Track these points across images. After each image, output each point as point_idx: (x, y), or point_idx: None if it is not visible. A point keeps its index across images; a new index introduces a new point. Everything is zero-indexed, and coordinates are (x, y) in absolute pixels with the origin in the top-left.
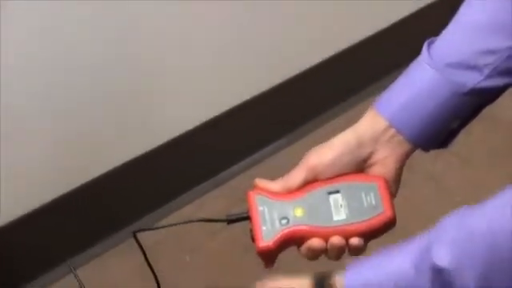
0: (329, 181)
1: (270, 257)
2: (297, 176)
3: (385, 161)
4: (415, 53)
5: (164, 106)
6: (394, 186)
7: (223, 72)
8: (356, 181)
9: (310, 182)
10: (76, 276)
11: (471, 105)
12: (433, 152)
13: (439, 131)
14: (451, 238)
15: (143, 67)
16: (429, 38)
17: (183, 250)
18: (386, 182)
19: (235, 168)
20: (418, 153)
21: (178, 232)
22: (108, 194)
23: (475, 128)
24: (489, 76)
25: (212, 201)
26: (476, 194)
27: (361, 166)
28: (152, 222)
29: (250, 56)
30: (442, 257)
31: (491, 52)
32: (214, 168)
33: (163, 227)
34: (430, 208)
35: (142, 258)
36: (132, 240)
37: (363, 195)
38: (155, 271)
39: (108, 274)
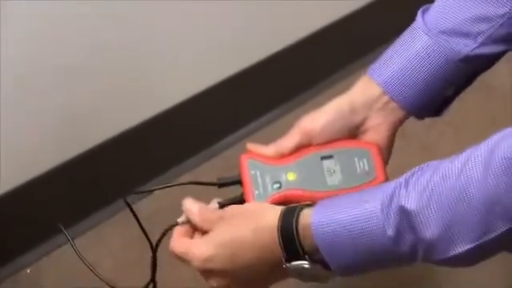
0: (322, 146)
1: None
2: (289, 140)
3: (377, 128)
4: (412, 21)
5: (157, 78)
6: (386, 152)
7: (214, 43)
8: (349, 146)
9: (302, 147)
10: (73, 246)
11: (466, 71)
12: (426, 121)
13: (433, 98)
14: (422, 182)
15: (132, 41)
16: (423, 5)
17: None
18: (379, 148)
19: (229, 139)
20: (412, 122)
21: (172, 202)
22: (103, 165)
23: (468, 97)
24: (483, 43)
25: (206, 171)
26: None
27: (353, 132)
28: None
29: (241, 26)
30: (411, 199)
31: (485, 19)
32: (208, 139)
33: (154, 190)
34: None
35: (138, 228)
36: (128, 210)
37: (356, 161)
38: (151, 240)
39: (105, 244)
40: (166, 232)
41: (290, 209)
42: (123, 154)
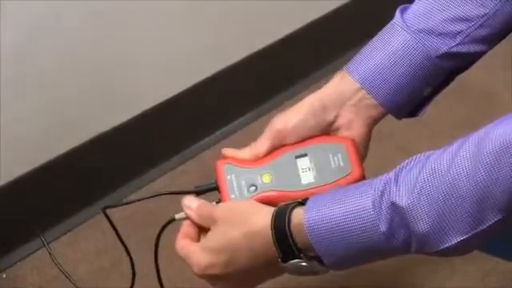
0: (296, 145)
1: None
2: (263, 142)
3: (350, 124)
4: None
5: (130, 81)
6: (362, 149)
7: (190, 45)
8: (323, 143)
9: (277, 148)
10: (48, 249)
11: (443, 70)
12: (402, 123)
13: (410, 97)
14: (412, 177)
15: (106, 43)
16: (401, 4)
17: (154, 225)
18: (354, 142)
19: (205, 141)
20: (388, 124)
21: (148, 206)
22: (78, 168)
23: (445, 99)
24: (462, 42)
25: (183, 174)
26: None
27: (326, 130)
28: (122, 196)
29: (217, 27)
30: (401, 195)
31: (464, 19)
32: (184, 142)
33: (132, 202)
34: None
35: (114, 232)
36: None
37: (331, 157)
38: (127, 245)
39: (80, 249)
40: (164, 229)
41: (282, 209)
42: (98, 157)
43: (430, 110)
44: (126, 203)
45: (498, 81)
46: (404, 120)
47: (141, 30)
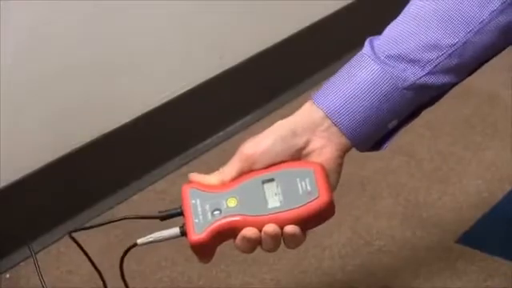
0: (264, 170)
1: (204, 251)
2: (231, 168)
3: (322, 150)
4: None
5: (131, 83)
6: (333, 176)
7: (191, 46)
8: (291, 168)
9: (245, 173)
10: (36, 262)
11: (411, 102)
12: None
13: (376, 129)
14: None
15: (106, 44)
16: (369, 36)
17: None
18: (323, 168)
19: (208, 142)
20: None
21: (149, 207)
22: (79, 170)
23: (445, 100)
24: (431, 72)
25: (185, 176)
26: (447, 166)
27: (296, 156)
28: (123, 198)
29: (214, 32)
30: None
31: (435, 47)
32: (186, 143)
33: (96, 226)
34: (402, 179)
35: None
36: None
37: (298, 181)
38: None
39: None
40: (126, 253)
41: None
42: (99, 159)
43: (431, 111)
44: (91, 227)
45: (499, 82)
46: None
47: (141, 31)
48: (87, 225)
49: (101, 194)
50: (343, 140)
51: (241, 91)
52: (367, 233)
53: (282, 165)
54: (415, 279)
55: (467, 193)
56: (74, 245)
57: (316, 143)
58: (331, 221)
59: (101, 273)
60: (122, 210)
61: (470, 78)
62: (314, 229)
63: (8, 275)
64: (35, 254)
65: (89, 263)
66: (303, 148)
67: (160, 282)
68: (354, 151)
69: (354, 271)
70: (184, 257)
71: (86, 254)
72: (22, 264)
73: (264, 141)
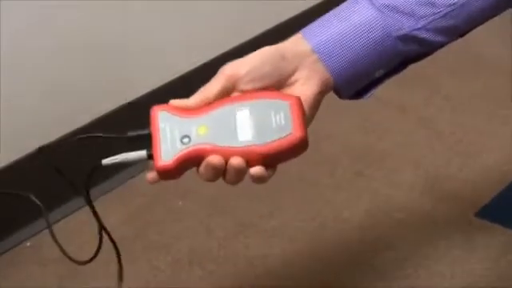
0: (238, 97)
1: (169, 177)
2: (213, 85)
3: (306, 81)
4: None
5: (130, 65)
6: (310, 111)
7: (191, 27)
8: (267, 98)
9: (227, 93)
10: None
11: (400, 53)
12: (424, 97)
13: (362, 74)
14: None
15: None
16: None
17: (176, 196)
18: (300, 102)
19: None
20: (409, 98)
21: None
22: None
23: (467, 72)
24: (424, 28)
25: None
26: (468, 138)
27: (282, 82)
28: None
29: (219, 13)
30: None
31: (431, 4)
32: None
33: (66, 142)
34: (422, 152)
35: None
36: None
37: (272, 114)
38: (148, 217)
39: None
40: (90, 176)
41: None
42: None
43: (449, 83)
44: (61, 143)
45: None
46: (425, 94)
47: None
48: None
49: (120, 165)
50: (328, 77)
51: None
52: (387, 205)
53: (259, 93)
54: (434, 252)
55: (487, 166)
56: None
57: (302, 72)
58: (351, 193)
59: (115, 243)
60: (141, 180)
61: (499, 53)
62: (333, 201)
63: (28, 243)
64: (56, 222)
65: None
66: (290, 75)
67: (180, 253)
68: (372, 124)
69: (373, 243)
70: (204, 227)
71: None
72: (43, 232)
73: (251, 60)
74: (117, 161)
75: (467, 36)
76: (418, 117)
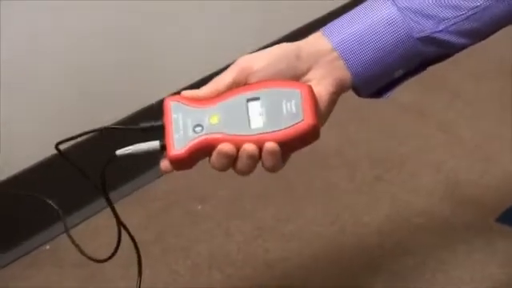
0: (250, 87)
1: (182, 166)
2: (225, 76)
3: (320, 80)
4: None
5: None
6: (324, 111)
7: (224, 28)
8: (279, 87)
9: (238, 86)
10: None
11: (420, 55)
12: (444, 102)
13: (382, 74)
14: None
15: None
16: None
17: (194, 200)
18: (312, 90)
19: None
20: (430, 103)
21: (188, 182)
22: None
23: (488, 77)
24: (445, 30)
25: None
26: (488, 143)
27: (294, 80)
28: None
29: (245, 13)
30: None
31: (453, 7)
32: None
33: (80, 135)
34: (442, 157)
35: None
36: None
37: (284, 103)
38: (167, 221)
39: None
40: (105, 167)
41: None
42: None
43: (470, 87)
44: (73, 137)
45: None
46: (444, 99)
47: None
48: (73, 135)
49: (139, 169)
50: (346, 76)
51: None
52: (406, 210)
53: (270, 82)
54: (453, 257)
55: (508, 171)
56: (114, 218)
57: (316, 72)
58: (370, 198)
59: (135, 241)
60: (160, 183)
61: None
62: (352, 205)
63: (48, 246)
64: (75, 225)
65: (126, 236)
66: (303, 74)
67: (199, 256)
68: (392, 128)
69: (392, 248)
70: (223, 231)
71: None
72: (62, 236)
73: (267, 56)
74: (130, 151)
75: (489, 40)
76: (439, 121)
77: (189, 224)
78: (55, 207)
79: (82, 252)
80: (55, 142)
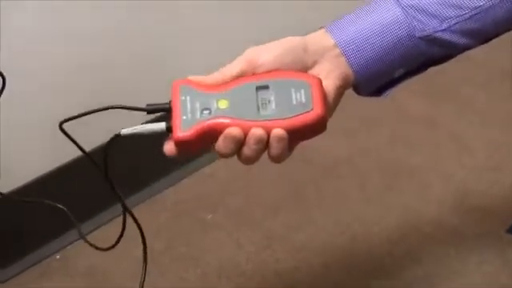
0: (260, 75)
1: (186, 149)
2: (233, 67)
3: (327, 74)
4: None
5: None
6: (331, 103)
7: (245, 32)
8: (288, 77)
9: (243, 76)
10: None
11: (422, 53)
12: (455, 112)
13: (383, 71)
14: None
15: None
16: None
17: (205, 209)
18: (321, 82)
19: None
20: (440, 113)
21: (198, 191)
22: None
23: (499, 87)
24: (448, 29)
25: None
26: (498, 154)
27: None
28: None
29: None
30: None
31: (456, 6)
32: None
33: (85, 114)
34: (452, 167)
35: None
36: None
37: (293, 92)
38: (177, 230)
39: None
40: (109, 145)
41: None
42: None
43: (480, 98)
44: (78, 116)
45: None
46: (456, 108)
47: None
48: (75, 115)
49: (149, 178)
50: (349, 72)
51: None
52: (416, 220)
53: (280, 72)
54: (463, 267)
55: None
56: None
57: (323, 66)
58: (381, 207)
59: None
60: (170, 193)
61: None
62: (363, 215)
63: (58, 256)
64: (85, 235)
65: (136, 246)
66: (309, 68)
67: (208, 265)
68: (403, 138)
69: (402, 258)
70: (233, 240)
71: (79, 148)
72: (72, 245)
73: (275, 48)
74: (136, 131)
75: (498, 50)
76: (449, 132)
77: (199, 233)
78: (69, 214)
79: (89, 243)
80: (73, 151)
